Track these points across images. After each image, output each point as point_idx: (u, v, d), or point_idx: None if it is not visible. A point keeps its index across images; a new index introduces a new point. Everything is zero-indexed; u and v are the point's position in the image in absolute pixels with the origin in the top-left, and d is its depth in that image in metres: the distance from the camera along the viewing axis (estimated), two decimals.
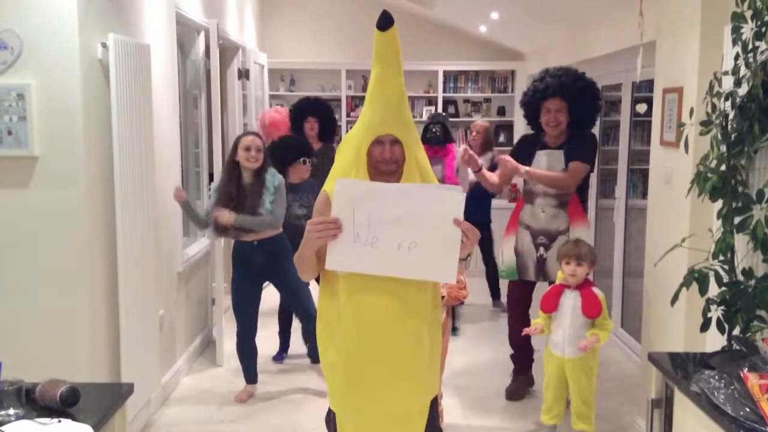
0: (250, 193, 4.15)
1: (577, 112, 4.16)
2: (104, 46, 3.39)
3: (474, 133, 6.03)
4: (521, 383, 4.45)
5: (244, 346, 4.43)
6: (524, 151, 4.31)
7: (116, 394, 2.26)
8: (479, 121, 6.46)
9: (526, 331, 3.78)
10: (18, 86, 3.15)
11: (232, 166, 4.20)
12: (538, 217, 4.18)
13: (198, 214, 4.30)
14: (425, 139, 5.54)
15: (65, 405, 2.03)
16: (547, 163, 4.16)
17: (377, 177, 2.45)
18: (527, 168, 4.12)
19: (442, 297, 3.73)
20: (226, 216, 4.07)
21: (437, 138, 5.60)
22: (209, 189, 4.31)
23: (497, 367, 4.89)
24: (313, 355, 4.62)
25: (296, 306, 4.51)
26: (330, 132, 5.70)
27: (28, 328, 3.29)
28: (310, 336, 4.58)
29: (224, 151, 5.46)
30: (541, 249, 4.19)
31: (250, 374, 4.49)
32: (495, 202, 6.04)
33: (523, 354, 4.49)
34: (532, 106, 4.27)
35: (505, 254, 4.33)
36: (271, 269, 4.23)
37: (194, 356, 5.07)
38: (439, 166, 5.48)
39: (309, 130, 5.53)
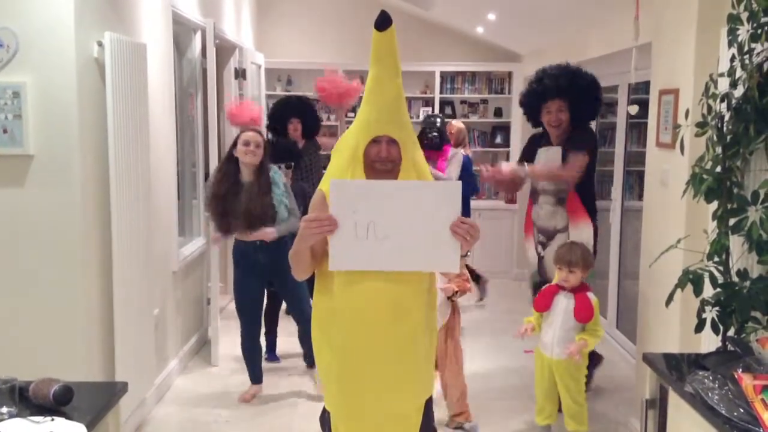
0: (252, 192, 4.09)
1: (578, 109, 4.16)
2: (100, 44, 3.39)
3: (448, 133, 6.06)
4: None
5: (250, 346, 4.41)
6: (530, 150, 4.34)
7: (110, 393, 2.26)
8: (455, 122, 6.57)
9: (517, 333, 3.77)
10: (13, 84, 3.14)
11: (229, 162, 4.17)
12: (541, 215, 4.20)
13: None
14: (422, 145, 5.52)
15: (59, 403, 2.03)
16: (544, 159, 4.17)
17: (374, 176, 2.46)
18: (526, 168, 4.12)
19: (456, 292, 3.75)
20: (271, 233, 4.07)
21: (434, 144, 5.58)
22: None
23: (491, 367, 4.89)
24: (309, 359, 4.60)
25: (294, 308, 4.49)
26: (314, 129, 5.70)
27: (22, 326, 3.28)
28: (307, 339, 4.54)
29: (220, 150, 5.45)
30: (539, 247, 4.20)
31: (256, 374, 4.47)
32: (484, 203, 6.03)
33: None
34: (531, 107, 4.27)
35: (530, 261, 4.32)
36: (273, 269, 4.21)
37: (189, 356, 5.06)
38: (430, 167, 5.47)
39: (293, 131, 5.53)
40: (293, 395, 4.50)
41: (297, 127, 5.54)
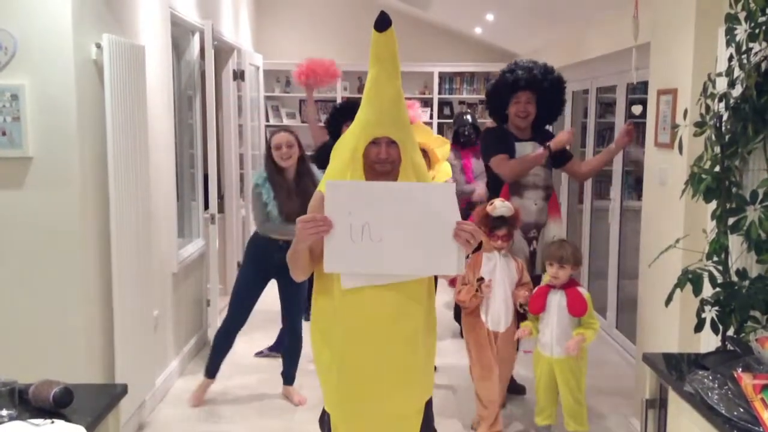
0: (297, 192, 4.04)
1: (545, 105, 4.22)
2: (98, 46, 3.39)
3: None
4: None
5: (225, 339, 4.34)
6: (506, 141, 4.22)
7: (110, 395, 2.26)
8: (487, 122, 6.56)
9: (516, 336, 3.78)
10: (12, 87, 3.14)
11: (273, 170, 4.09)
12: (530, 210, 4.16)
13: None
14: (458, 143, 5.52)
15: (58, 406, 2.03)
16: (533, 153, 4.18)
17: (373, 178, 2.45)
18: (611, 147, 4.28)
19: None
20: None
21: (471, 140, 5.53)
22: (266, 205, 4.08)
23: None
24: (287, 376, 4.45)
25: (288, 313, 4.41)
26: None
27: (21, 328, 3.27)
28: (291, 356, 4.43)
29: (219, 151, 5.45)
30: (534, 243, 4.21)
31: (214, 368, 4.37)
32: None
33: None
34: (500, 96, 4.28)
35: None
36: (284, 268, 4.12)
37: (189, 357, 5.06)
38: (479, 161, 5.29)
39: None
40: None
41: None
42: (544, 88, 4.18)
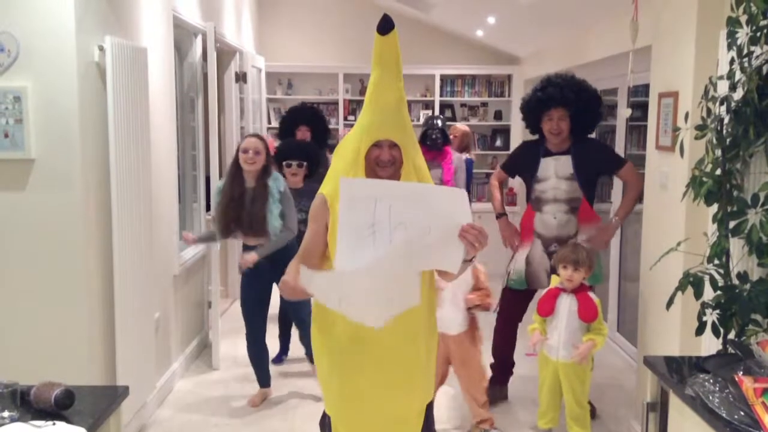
0: (252, 198, 4.13)
1: (579, 120, 4.17)
2: (101, 49, 3.40)
3: (452, 136, 6.07)
4: (495, 393, 4.34)
5: (255, 348, 4.41)
6: (526, 158, 4.32)
7: (111, 396, 2.26)
8: (460, 125, 6.62)
9: (530, 345, 3.74)
10: (15, 89, 3.14)
11: (235, 169, 4.20)
12: (549, 224, 4.16)
13: (209, 235, 4.46)
14: (424, 144, 5.54)
15: (60, 408, 2.03)
16: (554, 168, 4.16)
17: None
18: (617, 218, 4.17)
19: (477, 305, 3.76)
20: (252, 257, 4.10)
21: (437, 144, 5.59)
22: (217, 189, 4.31)
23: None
24: (312, 357, 4.57)
25: (293, 312, 4.50)
26: (322, 139, 5.68)
27: (23, 330, 3.28)
28: (307, 341, 4.52)
29: (221, 154, 5.46)
30: (553, 257, 4.16)
31: (263, 377, 4.47)
32: (483, 206, 6.04)
33: (504, 366, 4.47)
34: (533, 113, 4.27)
35: (517, 263, 4.28)
36: (278, 273, 4.16)
37: (190, 359, 5.06)
38: (437, 170, 5.49)
39: (300, 138, 5.51)
40: (294, 398, 4.51)
41: (306, 134, 5.51)
42: (577, 105, 4.12)
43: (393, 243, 2.26)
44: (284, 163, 4.67)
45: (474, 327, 3.90)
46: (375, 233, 2.27)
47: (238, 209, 4.12)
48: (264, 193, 4.13)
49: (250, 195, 4.14)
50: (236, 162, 4.19)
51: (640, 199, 4.06)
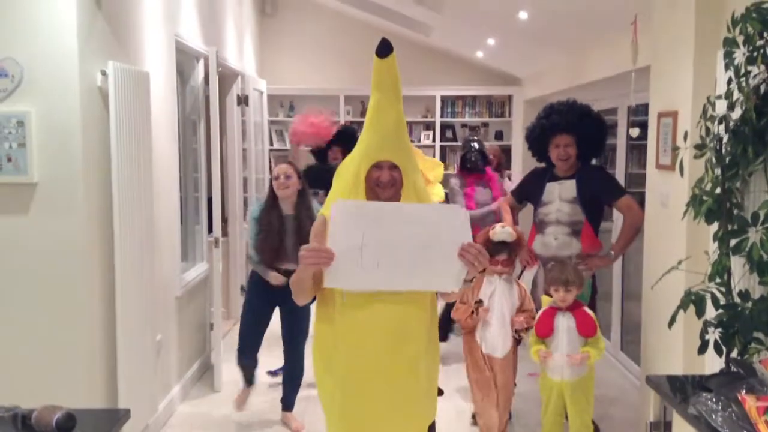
0: (295, 227, 4.06)
1: (585, 146, 4.21)
2: (104, 73, 3.42)
3: (491, 157, 5.95)
4: None
5: (242, 358, 4.37)
6: (533, 185, 4.39)
7: (113, 419, 2.25)
8: (492, 144, 6.69)
9: (541, 358, 3.66)
10: (18, 113, 3.17)
11: (272, 199, 4.14)
12: (549, 245, 4.19)
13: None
14: (464, 168, 5.56)
15: (61, 431, 2.02)
16: (558, 192, 4.19)
17: (375, 201, 2.47)
18: (613, 252, 4.20)
19: (526, 328, 3.74)
20: (282, 280, 4.04)
21: (478, 167, 5.57)
22: (252, 218, 4.20)
23: None
24: (286, 403, 4.44)
25: (290, 339, 4.36)
26: None
27: (25, 353, 3.27)
28: (291, 381, 4.42)
29: (223, 176, 5.47)
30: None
31: (248, 379, 4.46)
32: None
33: None
34: (538, 141, 4.30)
35: (524, 283, 4.29)
36: (286, 296, 4.12)
37: (192, 382, 5.04)
38: (486, 190, 5.54)
39: (332, 159, 5.51)
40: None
41: (337, 155, 5.48)
42: (581, 131, 4.16)
43: (380, 267, 2.27)
44: (311, 191, 4.64)
45: (515, 350, 3.89)
46: (362, 257, 2.29)
47: (281, 238, 4.06)
48: (305, 219, 4.01)
49: (291, 223, 4.09)
50: (271, 190, 4.15)
51: (637, 232, 4.05)
